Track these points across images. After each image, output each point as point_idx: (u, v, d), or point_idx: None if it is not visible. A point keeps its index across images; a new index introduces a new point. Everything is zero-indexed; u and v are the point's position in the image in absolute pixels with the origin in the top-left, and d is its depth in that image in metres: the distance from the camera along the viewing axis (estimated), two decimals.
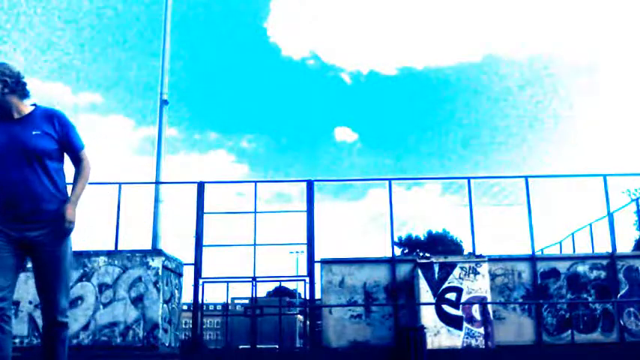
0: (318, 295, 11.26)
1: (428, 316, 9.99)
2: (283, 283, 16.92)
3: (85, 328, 9.89)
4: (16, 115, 3.60)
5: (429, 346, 9.48)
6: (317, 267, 11.19)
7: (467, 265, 10.30)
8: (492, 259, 10.78)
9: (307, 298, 11.81)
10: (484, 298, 10.16)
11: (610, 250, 11.32)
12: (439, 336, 9.95)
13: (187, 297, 11.52)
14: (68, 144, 3.68)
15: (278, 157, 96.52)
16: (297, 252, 17.50)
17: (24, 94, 3.65)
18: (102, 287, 10.07)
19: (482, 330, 9.95)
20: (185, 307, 12.66)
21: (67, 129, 3.67)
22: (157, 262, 10.20)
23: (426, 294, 10.22)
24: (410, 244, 48.41)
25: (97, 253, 10.33)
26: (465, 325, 10.03)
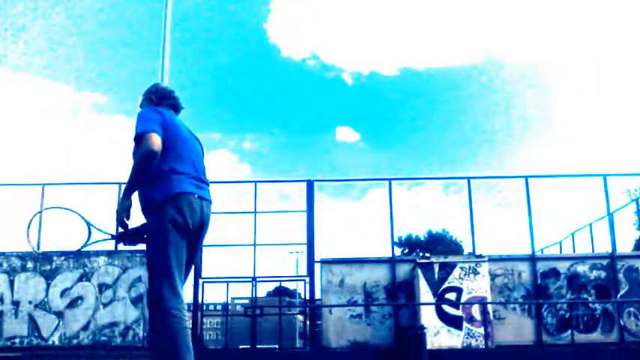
0: (318, 295, 11.26)
1: (428, 316, 9.99)
2: (283, 283, 16.91)
3: (85, 328, 9.90)
4: None
5: (429, 346, 9.48)
6: (317, 267, 11.19)
7: (467, 265, 10.31)
8: (492, 259, 10.78)
9: (307, 298, 11.81)
10: (484, 298, 10.16)
11: (610, 250, 11.32)
12: (439, 336, 9.95)
13: (187, 297, 11.51)
14: None
15: (280, 157, 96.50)
16: (297, 252, 17.51)
17: (169, 106, 3.92)
18: (102, 287, 10.08)
19: (482, 330, 9.95)
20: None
21: None
22: None
23: (426, 294, 10.22)
24: (410, 244, 48.46)
25: (97, 253, 10.34)
26: (465, 325, 10.03)
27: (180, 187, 3.55)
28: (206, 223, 3.71)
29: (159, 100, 3.90)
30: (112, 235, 3.81)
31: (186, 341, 3.35)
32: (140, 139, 3.47)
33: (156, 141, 3.45)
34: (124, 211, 3.51)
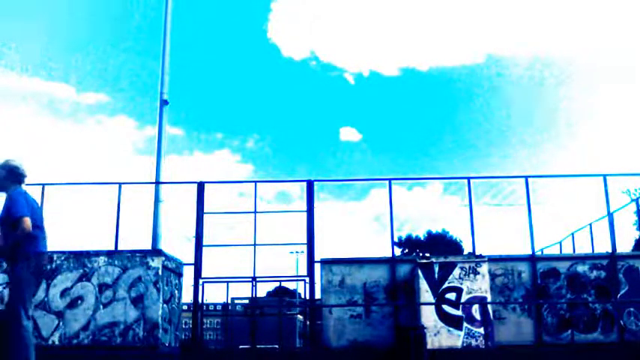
0: (318, 295, 11.25)
1: (428, 316, 9.99)
2: (283, 283, 16.91)
3: (85, 328, 9.89)
4: None
5: (429, 346, 9.48)
6: (317, 267, 11.18)
7: (467, 265, 10.30)
8: (492, 259, 10.77)
9: (307, 298, 11.81)
10: (484, 298, 10.16)
11: (610, 250, 11.32)
12: (439, 336, 9.95)
13: (187, 297, 11.53)
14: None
15: (283, 157, 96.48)
16: (297, 252, 17.52)
17: (20, 181, 5.63)
18: (102, 287, 10.07)
19: (482, 330, 9.94)
20: (185, 307, 12.65)
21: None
22: (157, 262, 10.19)
23: (426, 294, 10.21)
24: (410, 244, 48.46)
25: (97, 253, 10.32)
26: (465, 325, 10.02)
27: (40, 248, 5.49)
28: (46, 268, 5.65)
29: (15, 176, 5.54)
30: None
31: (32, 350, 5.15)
32: (19, 221, 5.24)
33: (29, 224, 5.29)
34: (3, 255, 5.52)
